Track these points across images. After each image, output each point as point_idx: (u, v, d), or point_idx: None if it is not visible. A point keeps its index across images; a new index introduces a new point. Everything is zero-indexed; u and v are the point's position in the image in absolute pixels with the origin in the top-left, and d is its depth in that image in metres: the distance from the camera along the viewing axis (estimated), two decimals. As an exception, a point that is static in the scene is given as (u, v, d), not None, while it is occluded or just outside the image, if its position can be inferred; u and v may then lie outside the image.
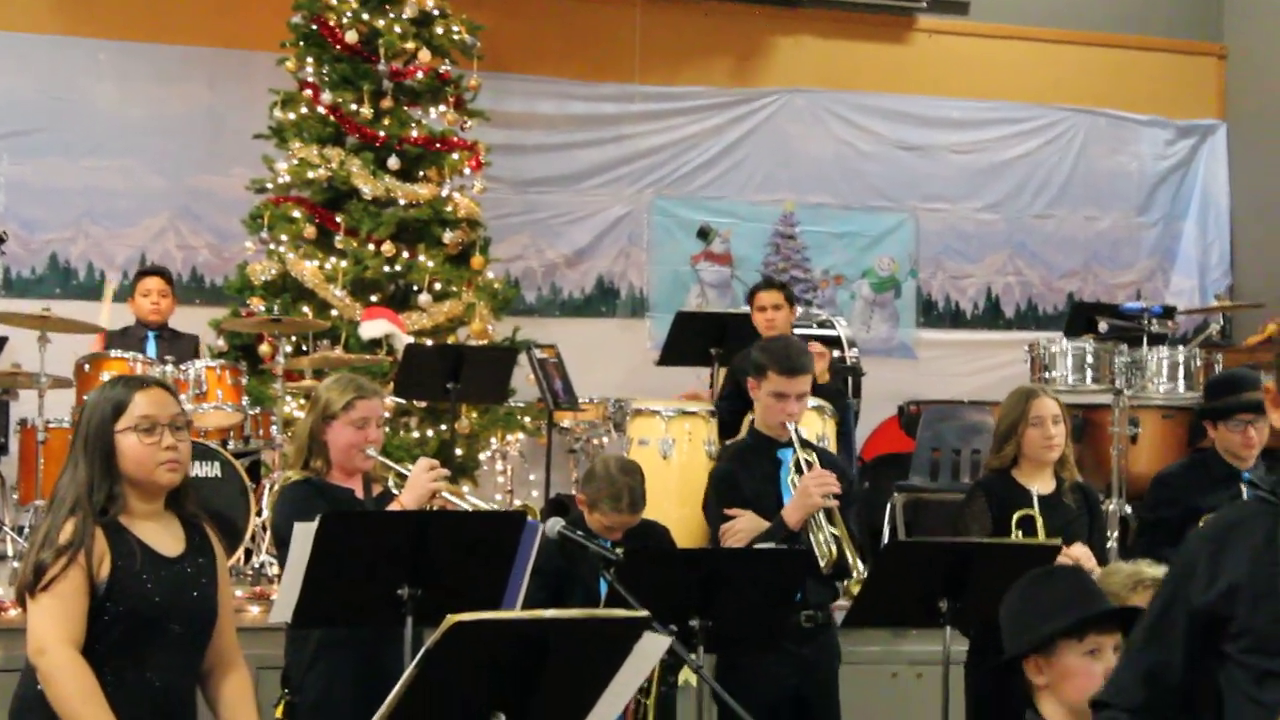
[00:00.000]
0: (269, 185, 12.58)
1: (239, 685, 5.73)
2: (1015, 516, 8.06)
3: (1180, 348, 12.26)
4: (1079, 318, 13.63)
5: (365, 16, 12.44)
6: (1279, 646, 3.83)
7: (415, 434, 11.82)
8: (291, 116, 12.54)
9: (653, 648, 5.25)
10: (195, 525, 5.62)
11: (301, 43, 12.61)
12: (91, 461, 5.47)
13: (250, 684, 5.78)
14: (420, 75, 12.65)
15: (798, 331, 11.65)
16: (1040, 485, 8.16)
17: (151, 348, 11.43)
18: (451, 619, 4.72)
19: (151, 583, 5.42)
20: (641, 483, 8.18)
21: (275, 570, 8.92)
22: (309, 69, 12.56)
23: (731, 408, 10.23)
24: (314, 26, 12.53)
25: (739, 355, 9.08)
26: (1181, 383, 11.98)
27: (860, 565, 7.69)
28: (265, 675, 7.82)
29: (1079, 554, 7.66)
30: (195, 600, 5.53)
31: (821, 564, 7.69)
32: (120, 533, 5.41)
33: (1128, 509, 10.99)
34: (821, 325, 12.94)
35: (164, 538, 5.52)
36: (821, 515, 7.71)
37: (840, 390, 11.82)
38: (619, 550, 7.48)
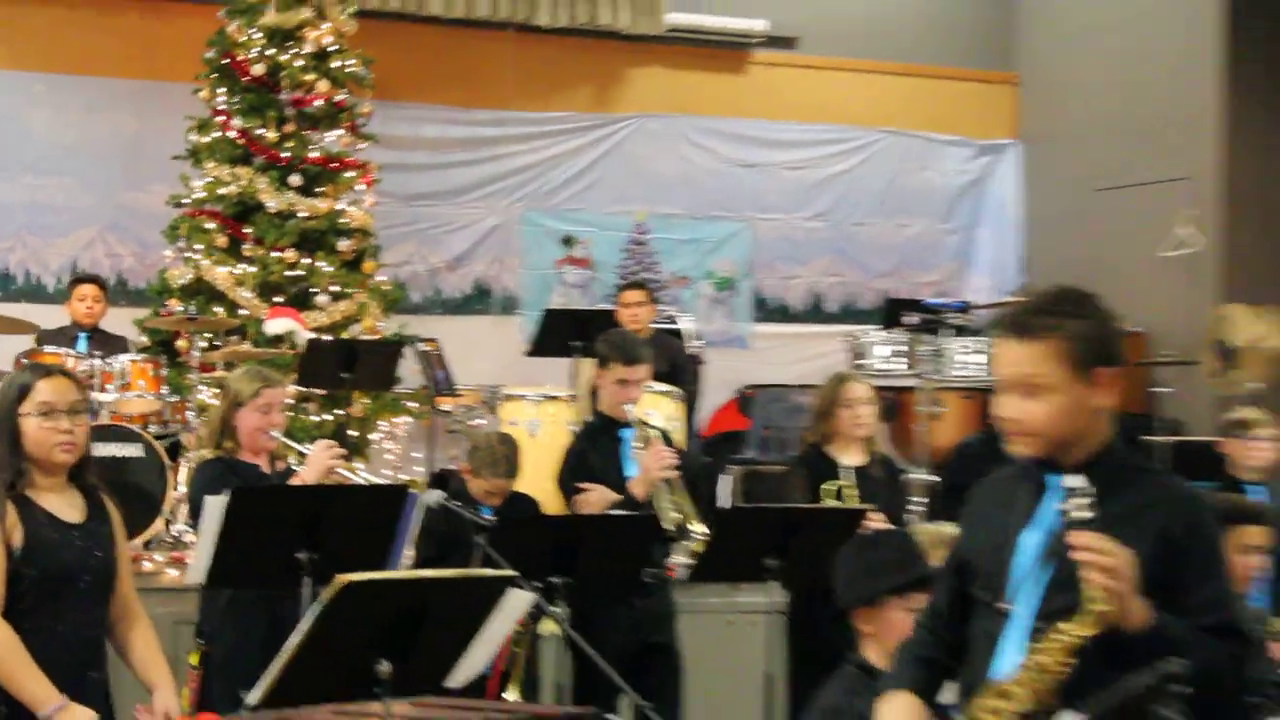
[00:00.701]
0: (186, 200, 12.63)
1: (144, 632, 5.85)
2: (828, 486, 8.27)
3: (977, 338, 12.60)
4: (891, 312, 13.92)
5: (270, 52, 12.50)
6: (1000, 585, 3.96)
7: (315, 418, 11.89)
8: (205, 140, 12.61)
9: (518, 602, 5.44)
10: (94, 495, 5.72)
11: (214, 75, 12.67)
12: (0, 441, 5.59)
13: (153, 630, 5.90)
14: (319, 103, 12.65)
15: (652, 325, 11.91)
16: (851, 458, 8.36)
17: (83, 347, 11.39)
18: (341, 579, 4.92)
19: (60, 547, 5.53)
20: (516, 452, 8.44)
21: (191, 537, 8.90)
22: (221, 98, 12.62)
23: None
24: (225, 61, 12.60)
25: (596, 352, 9.29)
26: (978, 367, 12.32)
27: (700, 528, 7.85)
28: (183, 629, 7.96)
29: (876, 520, 7.70)
30: (99, 560, 5.63)
31: (665, 528, 7.86)
32: (28, 505, 5.54)
33: (933, 477, 11.13)
34: (669, 320, 13.14)
35: (66, 507, 5.62)
36: (664, 486, 8.00)
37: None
38: (492, 518, 7.77)
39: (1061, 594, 3.82)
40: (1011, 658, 3.87)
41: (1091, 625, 3.71)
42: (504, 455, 8.34)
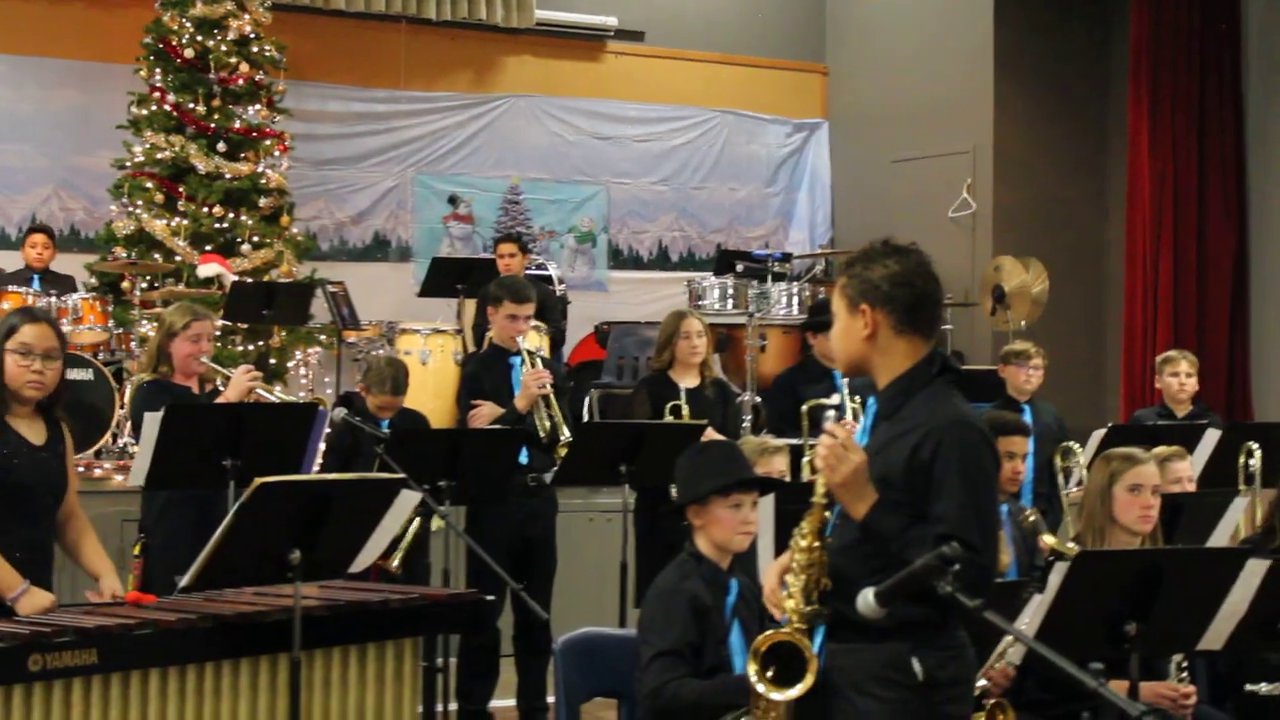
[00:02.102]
0: (128, 164, 12.53)
1: (88, 532, 5.81)
2: (669, 405, 8.32)
3: (795, 283, 12.69)
4: (724, 261, 13.97)
5: (199, 38, 12.40)
6: (924, 504, 3.95)
7: (239, 348, 11.82)
8: (144, 112, 12.51)
9: (408, 502, 5.49)
10: (55, 423, 5.68)
11: (152, 57, 12.53)
12: None
13: (93, 530, 5.86)
14: (241, 82, 12.57)
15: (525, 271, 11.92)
16: (688, 382, 8.41)
17: (37, 286, 11.33)
18: (258, 481, 4.98)
19: (28, 465, 5.51)
20: (404, 373, 8.44)
21: (134, 448, 8.77)
22: (158, 77, 12.50)
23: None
24: (161, 45, 12.46)
25: (483, 290, 9.22)
26: (795, 308, 12.43)
27: (567, 434, 7.91)
28: (128, 526, 7.94)
29: (711, 432, 7.74)
30: (54, 474, 5.62)
31: (541, 436, 7.96)
32: (5, 428, 5.51)
33: (758, 399, 11.19)
34: (538, 268, 13.15)
35: (32, 431, 5.58)
36: (541, 402, 8.02)
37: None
38: (388, 431, 7.76)
39: None
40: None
41: (815, 517, 3.76)
42: (391, 375, 8.35)
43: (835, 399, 3.87)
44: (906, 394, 4.02)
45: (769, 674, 3.93)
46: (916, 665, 3.86)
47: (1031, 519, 6.70)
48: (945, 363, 4.07)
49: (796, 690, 3.84)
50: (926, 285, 4.09)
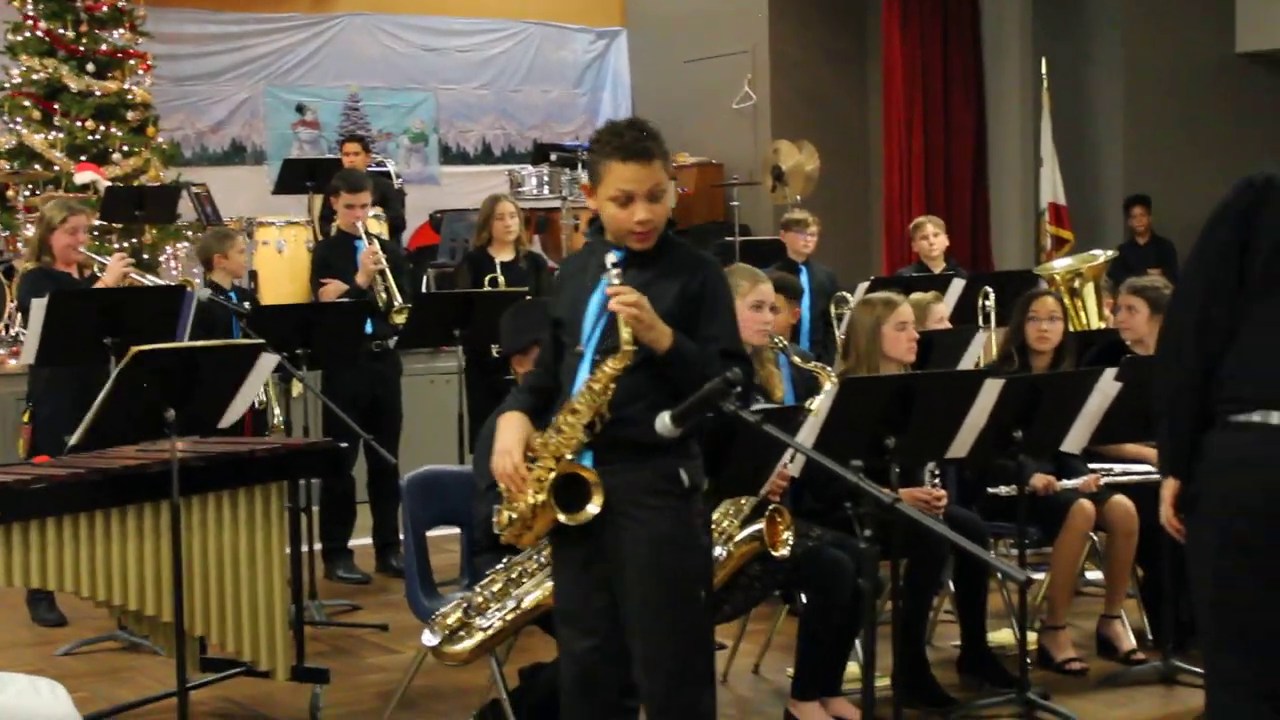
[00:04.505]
0: (6, 85, 12.25)
1: None
2: (488, 277, 8.31)
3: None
4: (540, 154, 14.04)
5: (66, -31, 12.11)
6: (577, 333, 3.99)
7: (115, 246, 11.43)
8: (19, 39, 12.17)
9: (267, 364, 5.49)
10: None
11: (23, -11, 12.22)
12: None
13: None
14: (106, 9, 12.28)
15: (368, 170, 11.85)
16: (504, 256, 8.39)
17: None
18: (134, 349, 4.95)
19: None
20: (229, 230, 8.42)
21: (24, 336, 8.74)
22: (30, 7, 12.19)
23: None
24: (32, -22, 12.15)
25: (329, 185, 9.14)
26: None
27: (400, 300, 7.94)
28: (22, 404, 7.86)
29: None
30: None
31: (380, 307, 7.96)
32: None
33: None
34: (378, 165, 13.03)
35: None
36: (378, 277, 8.00)
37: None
38: (247, 305, 7.71)
39: (612, 336, 3.85)
40: (581, 385, 3.92)
41: (625, 359, 3.80)
42: (220, 233, 8.20)
43: (613, 257, 3.85)
44: (662, 244, 3.97)
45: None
46: (684, 474, 3.90)
47: (811, 364, 6.77)
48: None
49: (592, 509, 3.86)
50: None
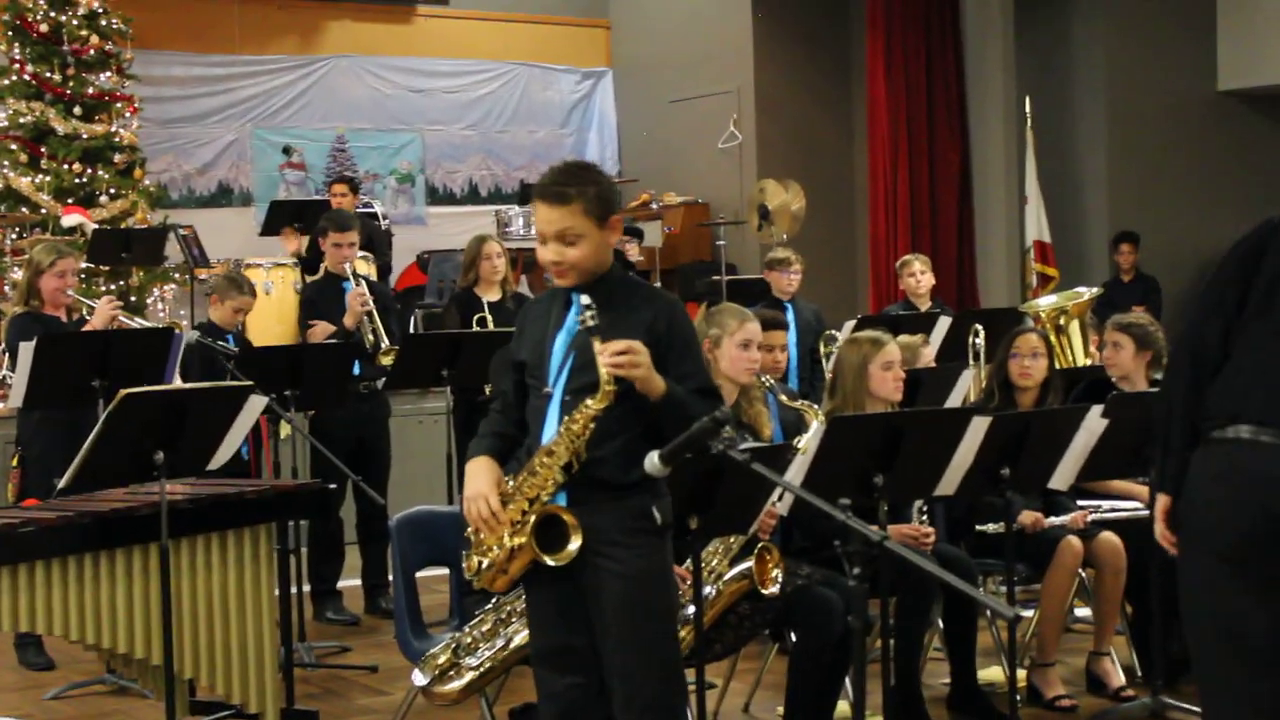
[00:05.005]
0: (-7, 129, 12.30)
1: None
2: (476, 317, 8.34)
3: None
4: (526, 194, 14.01)
5: (52, 14, 12.11)
6: (543, 374, 4.04)
7: (103, 288, 11.54)
8: (6, 82, 12.19)
9: (256, 405, 5.49)
10: None
11: (10, 33, 12.20)
12: None
13: None
14: (92, 52, 12.29)
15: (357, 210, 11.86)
16: (490, 296, 8.43)
17: None
18: (123, 392, 4.96)
19: None
20: (244, 277, 8.35)
21: (12, 379, 8.76)
22: (17, 51, 12.20)
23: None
24: (18, 21, 12.14)
25: (318, 226, 9.15)
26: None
27: (387, 342, 7.99)
28: (8, 447, 7.84)
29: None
30: None
31: (367, 348, 7.99)
32: None
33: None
34: (365, 206, 13.03)
35: None
36: (365, 318, 8.02)
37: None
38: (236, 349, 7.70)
39: (580, 376, 3.91)
40: (552, 426, 3.96)
41: (605, 399, 3.84)
42: (233, 279, 8.18)
43: (585, 298, 3.88)
44: (618, 283, 4.04)
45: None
46: (656, 512, 3.95)
47: (798, 403, 6.77)
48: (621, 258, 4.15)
49: (572, 548, 3.89)
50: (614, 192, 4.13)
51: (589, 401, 3.86)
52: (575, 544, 3.88)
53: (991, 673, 6.38)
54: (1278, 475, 3.62)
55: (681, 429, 3.72)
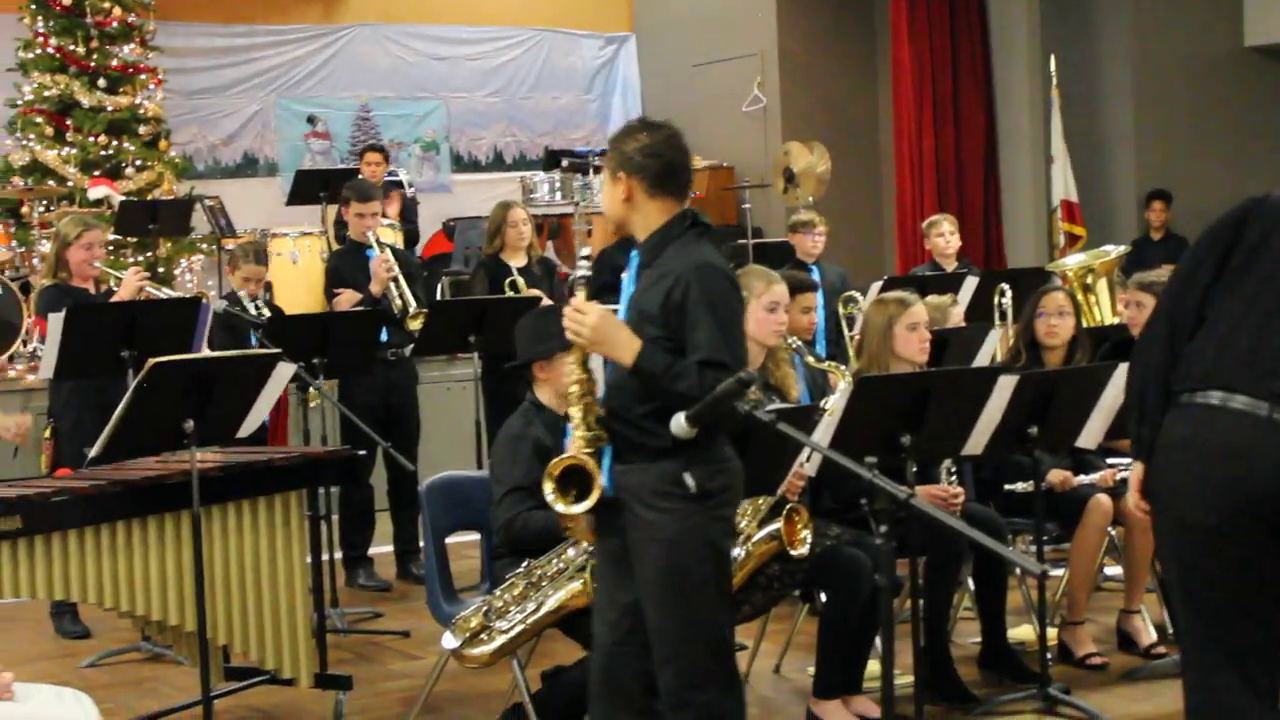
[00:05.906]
0: (19, 102, 12.31)
1: None
2: (508, 280, 8.35)
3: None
4: (551, 160, 14.08)
5: (76, -12, 12.17)
6: (682, 339, 4.07)
7: (130, 260, 11.59)
8: (31, 56, 12.24)
9: (284, 373, 5.51)
10: None
11: (34, 7, 12.24)
12: None
13: None
14: (115, 24, 12.34)
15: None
16: (517, 262, 8.45)
17: None
18: (152, 361, 4.99)
19: None
20: (263, 248, 8.54)
21: (41, 350, 8.79)
22: (40, 24, 12.22)
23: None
24: (42, -3, 12.24)
25: (340, 196, 9.14)
26: (615, 197, 12.42)
27: (416, 306, 8.00)
28: (41, 419, 7.86)
29: (545, 301, 7.82)
30: None
31: (395, 313, 8.00)
32: None
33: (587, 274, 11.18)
34: (391, 175, 13.03)
35: None
36: (391, 285, 8.04)
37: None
38: (264, 314, 7.74)
39: None
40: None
41: (577, 352, 4.02)
42: (252, 249, 8.21)
43: (582, 269, 4.08)
44: (661, 246, 4.07)
45: (571, 493, 4.02)
46: (689, 479, 3.96)
47: (825, 364, 6.78)
48: (696, 218, 4.13)
49: (584, 505, 3.97)
50: (674, 155, 4.12)
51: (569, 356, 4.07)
52: (588, 500, 3.98)
53: (1022, 631, 6.39)
54: (1243, 448, 3.63)
55: (666, 398, 3.85)
